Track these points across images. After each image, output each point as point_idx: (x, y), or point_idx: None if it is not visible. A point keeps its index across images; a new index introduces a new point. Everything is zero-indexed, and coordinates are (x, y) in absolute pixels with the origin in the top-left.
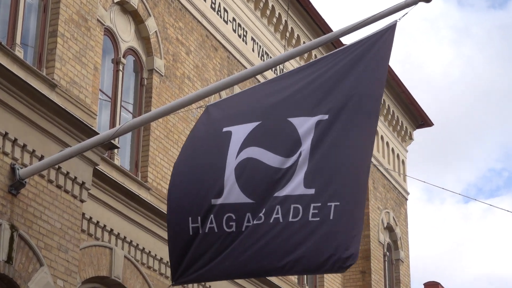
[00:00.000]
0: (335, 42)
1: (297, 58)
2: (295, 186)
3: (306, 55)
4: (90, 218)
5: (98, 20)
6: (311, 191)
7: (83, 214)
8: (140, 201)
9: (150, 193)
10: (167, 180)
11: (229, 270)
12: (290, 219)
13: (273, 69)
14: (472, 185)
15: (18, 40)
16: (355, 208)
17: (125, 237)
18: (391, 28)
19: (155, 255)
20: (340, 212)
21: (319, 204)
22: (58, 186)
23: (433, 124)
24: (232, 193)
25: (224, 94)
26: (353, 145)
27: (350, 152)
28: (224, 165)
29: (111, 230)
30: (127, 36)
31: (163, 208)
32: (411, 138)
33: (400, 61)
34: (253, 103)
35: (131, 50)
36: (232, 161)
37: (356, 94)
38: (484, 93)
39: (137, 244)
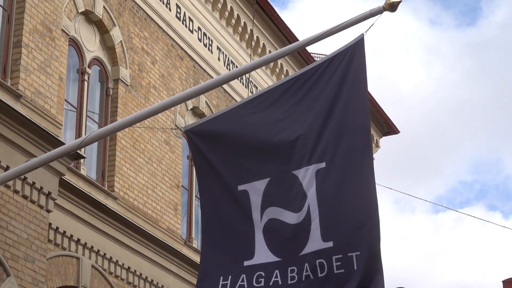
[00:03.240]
0: (301, 51)
1: (263, 68)
2: (315, 241)
3: (272, 64)
4: (57, 228)
5: (62, 30)
6: (330, 244)
7: (50, 224)
8: (107, 211)
9: (117, 202)
10: (134, 189)
11: None
12: (319, 275)
13: (239, 78)
14: (442, 197)
15: None
16: (374, 251)
17: (92, 247)
18: (360, 45)
19: (123, 264)
20: (362, 260)
21: (340, 256)
22: (24, 196)
23: (399, 132)
24: (262, 253)
25: (190, 104)
26: (356, 186)
27: (355, 195)
28: (253, 229)
29: (78, 239)
30: (92, 46)
31: (130, 217)
32: (377, 146)
33: (373, 79)
34: (251, 149)
35: (96, 60)
36: (258, 223)
37: (346, 131)
38: (455, 109)
39: (105, 254)
